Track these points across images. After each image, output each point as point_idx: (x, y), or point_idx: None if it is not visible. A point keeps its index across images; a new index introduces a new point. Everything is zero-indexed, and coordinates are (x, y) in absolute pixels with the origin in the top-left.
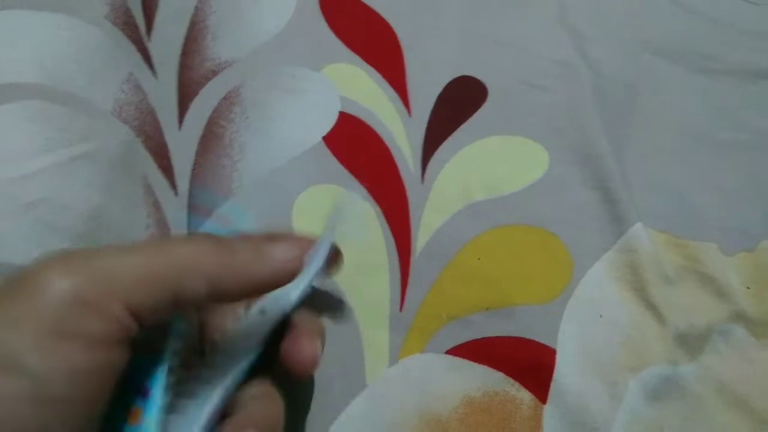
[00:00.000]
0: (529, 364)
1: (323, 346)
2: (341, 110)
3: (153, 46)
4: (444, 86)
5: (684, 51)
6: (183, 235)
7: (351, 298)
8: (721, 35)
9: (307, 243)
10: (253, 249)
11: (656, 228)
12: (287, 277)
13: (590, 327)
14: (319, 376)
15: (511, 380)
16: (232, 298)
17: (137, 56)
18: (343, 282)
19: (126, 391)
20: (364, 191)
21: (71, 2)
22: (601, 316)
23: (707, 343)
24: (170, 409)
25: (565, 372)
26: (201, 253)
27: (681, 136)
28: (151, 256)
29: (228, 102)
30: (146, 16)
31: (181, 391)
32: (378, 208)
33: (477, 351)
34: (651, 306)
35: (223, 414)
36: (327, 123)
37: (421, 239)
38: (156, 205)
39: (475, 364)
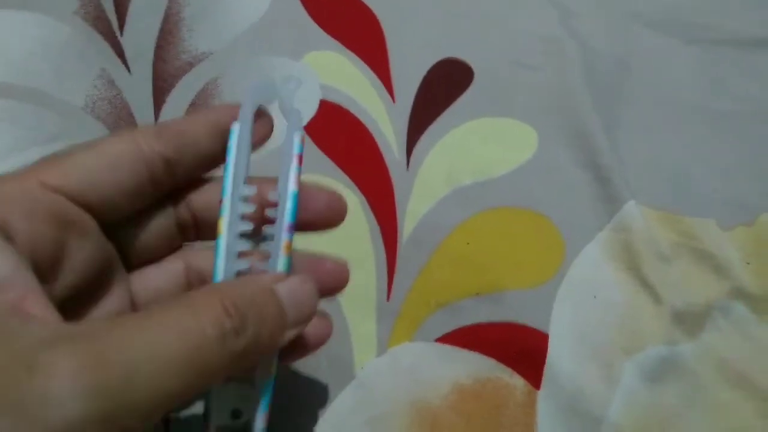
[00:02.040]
0: (521, 349)
1: None
2: (322, 98)
3: (126, 40)
4: (428, 70)
5: (676, 21)
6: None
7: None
8: (714, 4)
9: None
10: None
11: (650, 205)
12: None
13: (584, 309)
14: (307, 368)
15: (503, 366)
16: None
17: (109, 51)
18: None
19: None
20: (348, 180)
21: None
22: (594, 297)
23: (707, 321)
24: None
25: (559, 356)
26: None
27: (675, 109)
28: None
29: (206, 94)
30: (118, 10)
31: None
32: (363, 197)
33: (467, 338)
34: (646, 285)
35: None
36: (308, 112)
37: (407, 227)
38: None
39: (466, 351)
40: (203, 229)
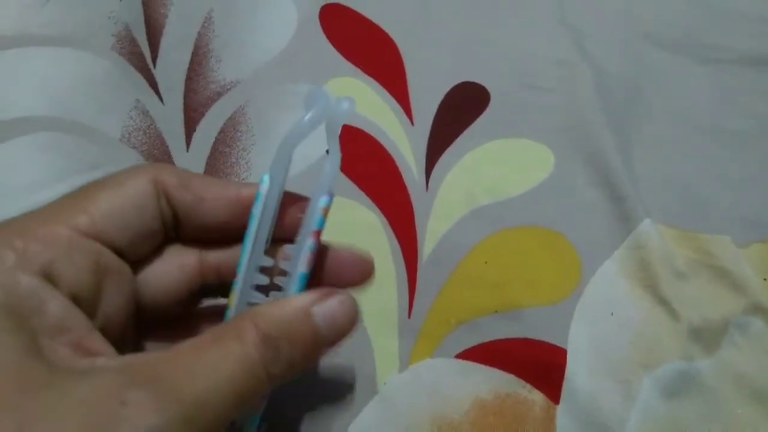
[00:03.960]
0: (539, 365)
1: None
2: (344, 123)
3: (159, 72)
4: (446, 93)
5: (686, 41)
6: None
7: (360, 307)
8: (723, 23)
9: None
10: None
11: (666, 223)
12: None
13: (601, 326)
14: (331, 384)
15: (523, 382)
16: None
17: (144, 83)
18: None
19: None
20: (369, 202)
21: (77, 36)
22: (612, 314)
23: (724, 337)
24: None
25: (577, 372)
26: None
27: (687, 128)
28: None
29: (234, 122)
30: (151, 44)
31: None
32: (384, 218)
33: (487, 354)
34: (663, 302)
35: None
36: None
37: (427, 246)
38: None
39: (486, 367)
40: (223, 277)
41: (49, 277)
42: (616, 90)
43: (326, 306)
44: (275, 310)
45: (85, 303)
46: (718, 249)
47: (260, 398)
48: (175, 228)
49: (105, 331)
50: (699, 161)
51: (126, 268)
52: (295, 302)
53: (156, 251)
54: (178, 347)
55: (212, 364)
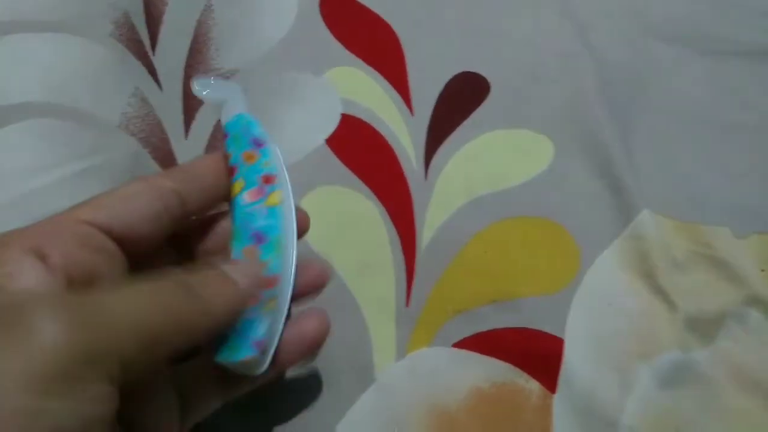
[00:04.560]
0: (537, 354)
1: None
2: (343, 112)
3: (158, 60)
4: (445, 83)
5: (688, 34)
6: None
7: (357, 295)
8: (725, 16)
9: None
10: (216, 286)
11: (665, 214)
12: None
13: (599, 316)
14: (328, 372)
15: (519, 371)
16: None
17: (143, 70)
18: (348, 279)
19: None
20: (368, 191)
21: (75, 23)
22: (609, 304)
23: (721, 328)
24: None
25: (574, 361)
26: (175, 305)
27: (688, 119)
28: (140, 301)
29: None
30: (150, 31)
31: None
32: (382, 208)
33: (484, 343)
34: (660, 292)
35: None
36: (329, 126)
37: (425, 236)
38: None
39: (483, 356)
40: None
41: (39, 253)
42: (618, 81)
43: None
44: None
45: (78, 278)
46: (717, 240)
47: (189, 330)
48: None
49: None
50: (699, 153)
51: (119, 252)
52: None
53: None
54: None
55: (129, 293)
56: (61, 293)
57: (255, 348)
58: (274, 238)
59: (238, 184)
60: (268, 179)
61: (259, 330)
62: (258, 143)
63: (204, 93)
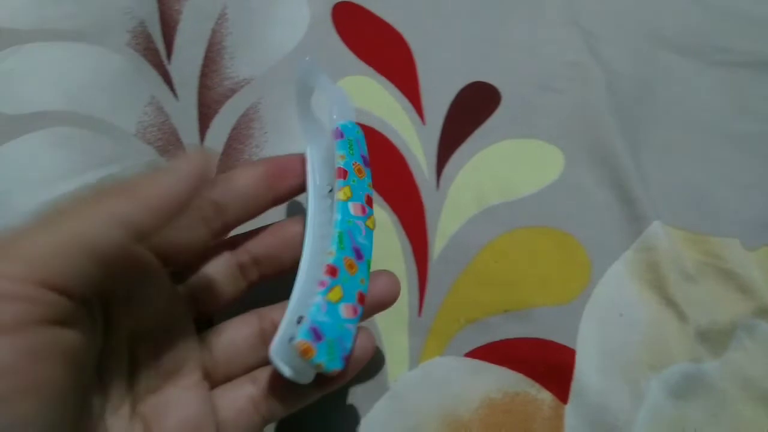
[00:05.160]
0: (548, 364)
1: None
2: (356, 122)
3: (173, 68)
4: (457, 93)
5: (698, 44)
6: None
7: None
8: (735, 26)
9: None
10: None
11: (675, 225)
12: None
13: (610, 327)
14: None
15: (531, 381)
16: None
17: (158, 79)
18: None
19: None
20: (380, 200)
21: (92, 32)
22: (621, 315)
23: (731, 340)
24: None
25: (586, 372)
26: (103, 201)
27: (698, 130)
28: (59, 225)
29: (247, 118)
30: (166, 40)
31: None
32: (395, 217)
33: (496, 353)
34: (671, 304)
35: None
36: None
37: (437, 245)
38: None
39: (495, 366)
40: (263, 267)
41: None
42: (627, 91)
43: None
44: None
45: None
46: (727, 251)
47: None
48: (220, 222)
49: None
50: (709, 163)
51: (158, 264)
52: None
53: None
54: None
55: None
56: None
57: (344, 362)
58: (367, 259)
59: (345, 191)
60: (369, 200)
61: (349, 344)
62: (366, 162)
63: (310, 78)
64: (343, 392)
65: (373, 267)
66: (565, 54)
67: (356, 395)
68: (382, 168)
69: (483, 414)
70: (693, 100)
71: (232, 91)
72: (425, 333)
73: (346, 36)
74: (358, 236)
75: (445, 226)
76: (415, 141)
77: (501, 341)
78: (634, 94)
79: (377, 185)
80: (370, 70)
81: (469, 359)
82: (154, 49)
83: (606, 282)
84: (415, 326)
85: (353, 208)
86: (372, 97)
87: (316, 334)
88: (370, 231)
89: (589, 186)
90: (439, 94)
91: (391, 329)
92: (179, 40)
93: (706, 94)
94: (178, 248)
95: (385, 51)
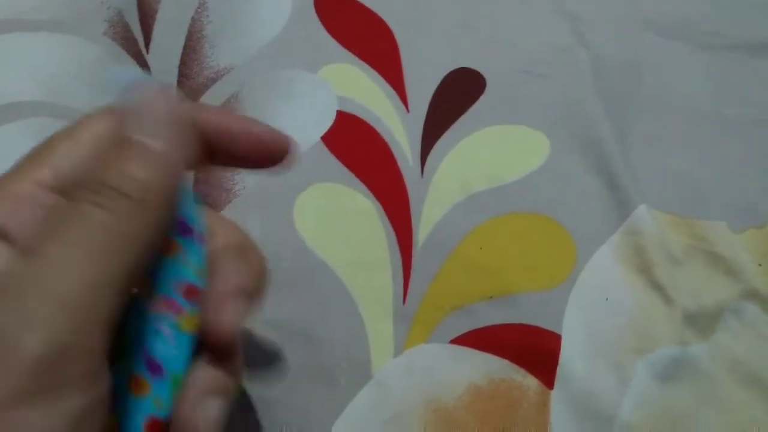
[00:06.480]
0: (534, 350)
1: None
2: (339, 109)
3: (152, 58)
4: (441, 79)
5: (685, 28)
6: None
7: (354, 293)
8: (723, 10)
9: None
10: None
11: (661, 209)
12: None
13: (596, 311)
14: (325, 368)
15: (517, 367)
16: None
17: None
18: (345, 277)
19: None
20: (364, 188)
21: (69, 22)
22: (606, 299)
23: (719, 322)
24: None
25: (571, 357)
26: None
27: (685, 114)
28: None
29: (228, 108)
30: (144, 30)
31: None
32: (378, 205)
33: (481, 339)
34: (657, 287)
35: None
36: (325, 123)
37: (422, 232)
38: None
39: (480, 353)
40: None
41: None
42: (614, 76)
43: None
44: None
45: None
46: (714, 235)
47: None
48: None
49: None
50: (696, 147)
51: None
52: None
53: None
54: None
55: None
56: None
57: None
58: (171, 375)
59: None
60: (189, 292)
61: None
62: (185, 229)
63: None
64: (326, 381)
65: (358, 254)
66: (552, 39)
67: (339, 384)
68: (366, 156)
69: (468, 401)
70: (680, 84)
71: (213, 81)
72: (410, 321)
73: (328, 23)
74: (156, 344)
75: (429, 214)
76: (399, 128)
77: (486, 327)
78: (622, 78)
79: (361, 173)
80: (354, 58)
81: (454, 346)
82: (132, 38)
83: (592, 266)
84: (400, 315)
85: (155, 302)
86: (355, 84)
87: None
88: (182, 337)
89: (575, 171)
90: (424, 81)
91: (375, 317)
92: (158, 30)
93: (694, 79)
94: None
95: (368, 38)
